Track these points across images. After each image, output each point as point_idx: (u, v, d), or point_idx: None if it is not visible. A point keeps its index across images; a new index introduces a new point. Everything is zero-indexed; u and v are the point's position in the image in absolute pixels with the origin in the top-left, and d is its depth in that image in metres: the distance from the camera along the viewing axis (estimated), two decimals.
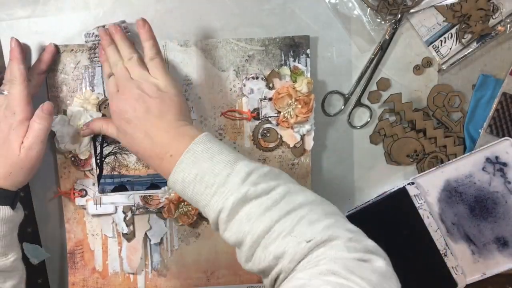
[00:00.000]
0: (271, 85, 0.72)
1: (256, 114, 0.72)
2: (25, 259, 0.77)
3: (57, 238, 0.77)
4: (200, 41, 0.71)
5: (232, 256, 0.72)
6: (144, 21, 0.64)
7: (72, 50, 0.71)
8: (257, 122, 0.73)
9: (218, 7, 0.72)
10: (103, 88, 0.72)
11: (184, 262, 0.77)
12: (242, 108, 0.73)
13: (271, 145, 0.73)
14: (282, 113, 0.71)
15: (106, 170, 0.74)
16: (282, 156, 0.74)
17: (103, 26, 0.68)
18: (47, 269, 0.78)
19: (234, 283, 0.77)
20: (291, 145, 0.73)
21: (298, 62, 0.71)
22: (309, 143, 0.73)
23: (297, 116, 0.70)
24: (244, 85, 0.72)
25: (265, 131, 0.73)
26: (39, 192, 0.76)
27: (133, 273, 0.76)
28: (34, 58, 0.71)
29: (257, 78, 0.72)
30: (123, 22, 0.70)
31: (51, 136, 0.71)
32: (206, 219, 0.75)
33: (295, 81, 0.71)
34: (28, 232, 0.77)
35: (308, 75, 0.72)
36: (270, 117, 0.73)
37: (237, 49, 0.71)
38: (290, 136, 0.72)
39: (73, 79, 0.71)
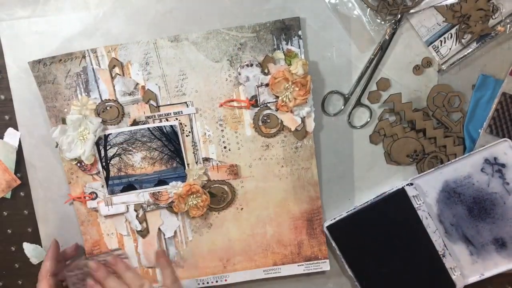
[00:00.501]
0: (266, 70, 0.72)
1: (254, 101, 0.73)
2: (25, 259, 0.79)
3: (57, 239, 0.78)
4: (190, 35, 0.72)
5: (245, 242, 0.75)
6: (163, 252, 0.76)
7: (61, 60, 0.72)
8: (256, 110, 0.74)
9: (218, 7, 0.72)
10: (99, 92, 0.73)
11: (199, 252, 0.78)
12: (239, 97, 0.73)
13: (273, 130, 0.74)
14: (280, 98, 0.72)
15: (112, 172, 0.75)
16: (285, 141, 0.74)
17: (87, 259, 0.75)
18: None
19: (250, 268, 0.79)
20: (293, 129, 0.73)
21: (291, 45, 0.72)
22: (310, 125, 0.74)
23: (295, 99, 0.71)
24: (240, 74, 0.72)
25: (265, 118, 0.74)
26: (39, 192, 0.77)
27: (151, 267, 0.78)
28: (34, 56, 0.72)
29: (251, 65, 0.72)
30: (116, 250, 0.75)
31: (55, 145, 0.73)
32: (216, 210, 0.77)
33: (290, 64, 0.72)
34: (28, 232, 0.78)
35: (302, 56, 0.72)
36: (269, 103, 0.73)
37: (228, 38, 0.72)
38: (290, 120, 0.73)
39: (67, 87, 0.73)
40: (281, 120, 0.74)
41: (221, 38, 0.72)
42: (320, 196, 0.76)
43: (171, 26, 0.73)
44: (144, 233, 0.77)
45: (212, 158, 0.75)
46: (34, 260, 0.79)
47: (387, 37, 0.72)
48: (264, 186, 0.76)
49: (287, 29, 0.71)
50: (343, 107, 0.75)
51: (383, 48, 0.73)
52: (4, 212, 0.79)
